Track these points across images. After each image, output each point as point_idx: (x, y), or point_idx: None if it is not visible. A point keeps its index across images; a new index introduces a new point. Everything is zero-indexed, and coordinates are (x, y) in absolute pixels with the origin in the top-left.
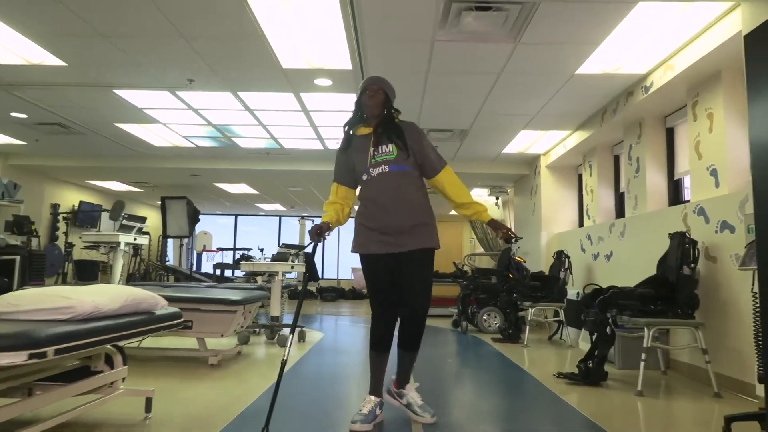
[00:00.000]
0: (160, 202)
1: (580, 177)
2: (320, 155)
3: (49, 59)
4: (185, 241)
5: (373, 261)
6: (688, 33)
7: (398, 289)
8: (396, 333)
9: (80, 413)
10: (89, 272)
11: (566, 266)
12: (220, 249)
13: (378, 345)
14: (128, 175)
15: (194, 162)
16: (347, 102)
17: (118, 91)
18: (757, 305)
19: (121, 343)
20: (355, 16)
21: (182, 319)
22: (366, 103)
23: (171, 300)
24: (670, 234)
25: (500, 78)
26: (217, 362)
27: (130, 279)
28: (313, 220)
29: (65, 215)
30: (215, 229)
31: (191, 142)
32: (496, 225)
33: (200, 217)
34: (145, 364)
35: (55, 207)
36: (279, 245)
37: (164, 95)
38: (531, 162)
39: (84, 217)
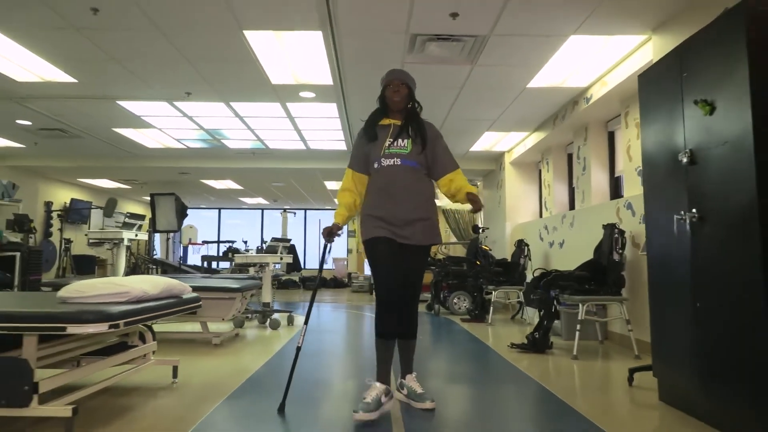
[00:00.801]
0: (148, 198)
1: (540, 173)
2: (303, 154)
3: (62, 77)
4: (172, 234)
5: (381, 243)
6: (615, 57)
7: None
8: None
9: (119, 380)
10: (87, 266)
11: (525, 253)
12: (205, 242)
13: (385, 333)
14: (120, 173)
15: (184, 161)
16: (328, 110)
17: (120, 102)
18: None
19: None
20: (335, 44)
21: (199, 303)
22: (391, 97)
23: None
24: (603, 225)
25: (462, 91)
26: (220, 342)
27: None
28: (294, 213)
29: (58, 212)
30: (200, 223)
31: (183, 144)
32: (473, 198)
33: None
34: (158, 344)
35: (48, 204)
36: (262, 238)
37: (162, 105)
38: (497, 159)
39: (75, 213)
